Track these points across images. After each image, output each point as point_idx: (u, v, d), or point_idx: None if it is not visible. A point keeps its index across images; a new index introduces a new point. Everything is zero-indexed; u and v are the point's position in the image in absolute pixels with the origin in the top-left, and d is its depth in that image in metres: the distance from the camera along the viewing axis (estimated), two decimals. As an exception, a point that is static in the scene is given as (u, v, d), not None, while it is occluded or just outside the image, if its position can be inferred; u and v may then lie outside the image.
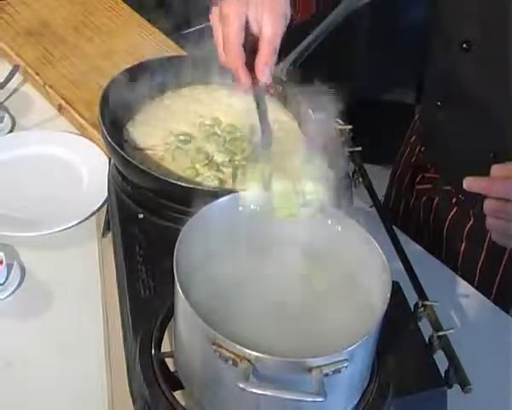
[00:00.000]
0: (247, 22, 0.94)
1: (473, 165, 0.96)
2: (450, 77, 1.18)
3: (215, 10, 0.96)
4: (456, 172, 1.09)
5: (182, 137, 1.08)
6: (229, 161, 1.05)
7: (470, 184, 0.91)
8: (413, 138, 1.38)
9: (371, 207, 1.06)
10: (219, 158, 1.05)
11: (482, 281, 1.23)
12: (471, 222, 1.23)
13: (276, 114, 1.15)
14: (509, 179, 0.90)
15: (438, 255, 1.23)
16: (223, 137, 1.09)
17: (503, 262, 1.21)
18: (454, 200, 1.26)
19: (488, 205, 0.91)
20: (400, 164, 1.42)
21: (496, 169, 0.91)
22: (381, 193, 1.33)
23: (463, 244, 1.26)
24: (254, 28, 0.95)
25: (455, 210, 1.27)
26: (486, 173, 0.91)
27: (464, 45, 1.12)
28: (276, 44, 0.96)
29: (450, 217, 1.27)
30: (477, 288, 1.18)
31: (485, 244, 1.22)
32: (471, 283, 1.19)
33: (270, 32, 0.94)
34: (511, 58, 1.05)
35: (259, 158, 0.94)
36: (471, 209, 1.22)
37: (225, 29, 0.93)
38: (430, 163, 1.32)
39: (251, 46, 0.95)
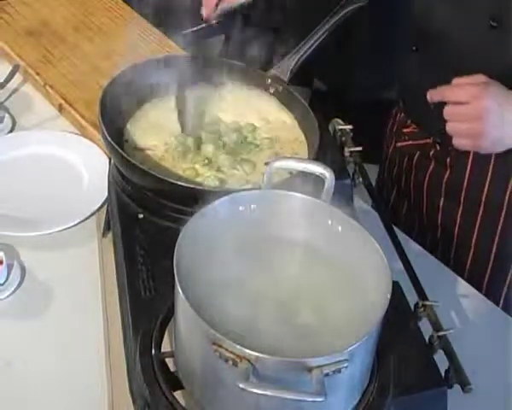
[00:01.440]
0: None
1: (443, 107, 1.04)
2: (424, 20, 1.23)
3: None
4: (429, 117, 1.14)
5: (182, 137, 1.08)
6: (233, 160, 1.05)
7: (432, 94, 1.03)
8: (397, 112, 1.42)
9: (368, 203, 1.08)
10: (219, 158, 1.05)
11: (461, 235, 1.29)
12: (448, 174, 1.28)
13: (277, 113, 1.15)
14: (466, 85, 1.01)
15: (420, 215, 1.32)
16: (223, 136, 1.09)
17: (480, 214, 1.27)
18: (432, 152, 1.30)
19: (448, 110, 1.02)
20: (386, 139, 1.47)
21: (456, 79, 1.02)
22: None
23: (442, 199, 1.31)
24: None
25: (433, 165, 1.31)
26: None
27: None
28: None
29: (429, 172, 1.32)
30: (456, 242, 1.26)
31: (462, 198, 1.28)
32: (451, 238, 1.27)
33: None
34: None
35: None
36: (447, 159, 1.28)
37: None
38: (407, 113, 1.37)
39: None
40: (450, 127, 1.04)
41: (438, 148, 1.29)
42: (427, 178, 1.33)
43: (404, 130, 1.38)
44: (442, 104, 1.04)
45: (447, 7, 1.16)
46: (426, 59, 1.24)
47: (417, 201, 1.36)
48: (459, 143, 1.06)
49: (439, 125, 1.06)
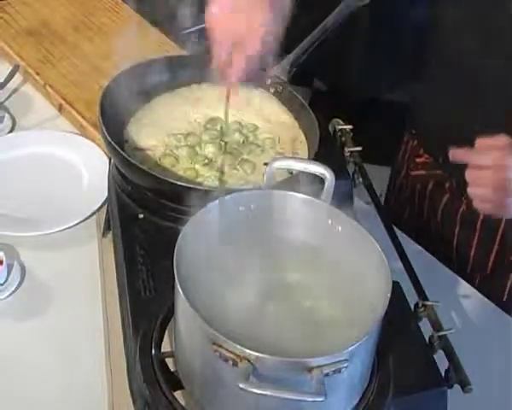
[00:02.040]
0: None
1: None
2: (446, 50, 1.19)
3: (211, 15, 0.99)
4: (442, 148, 1.11)
5: (182, 138, 1.08)
6: (234, 161, 1.05)
7: (454, 154, 0.99)
8: (409, 140, 1.39)
9: (368, 203, 1.07)
10: (220, 158, 1.05)
11: (476, 263, 1.26)
12: (464, 206, 1.25)
13: (277, 113, 1.15)
14: (489, 150, 0.97)
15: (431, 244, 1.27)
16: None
17: (496, 245, 1.24)
18: (447, 185, 1.28)
19: (470, 175, 0.99)
20: (397, 164, 1.43)
21: (479, 141, 0.97)
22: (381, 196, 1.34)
23: (457, 227, 1.28)
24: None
25: (448, 196, 1.28)
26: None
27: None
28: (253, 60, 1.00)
29: (443, 202, 1.30)
30: (471, 270, 1.22)
31: (478, 226, 1.25)
32: (465, 265, 1.23)
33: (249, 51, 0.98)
34: (506, 33, 1.08)
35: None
36: (463, 194, 1.23)
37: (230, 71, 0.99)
38: (420, 142, 1.34)
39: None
40: (471, 192, 1.00)
41: (454, 184, 1.26)
42: (440, 209, 1.30)
43: (417, 159, 1.35)
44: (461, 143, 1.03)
45: (473, 42, 1.13)
46: (443, 91, 1.22)
47: (431, 226, 1.33)
48: (480, 207, 1.03)
49: (456, 167, 1.02)
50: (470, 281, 1.19)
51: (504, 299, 1.26)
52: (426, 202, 1.34)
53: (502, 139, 0.98)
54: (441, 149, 1.10)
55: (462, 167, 1.00)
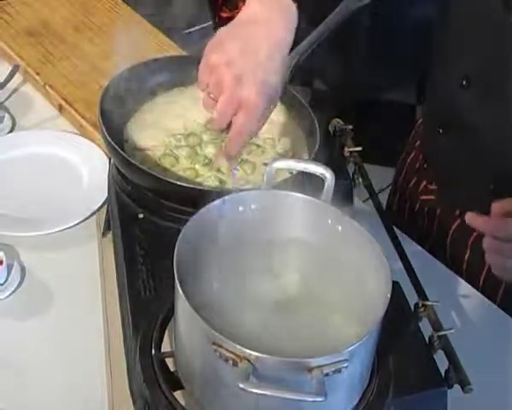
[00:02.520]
0: None
1: (473, 192, 0.98)
2: (450, 107, 1.17)
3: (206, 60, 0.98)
4: (457, 198, 1.09)
5: (182, 138, 1.08)
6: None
7: (471, 220, 0.94)
8: (417, 143, 1.38)
9: (365, 201, 1.06)
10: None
11: (486, 288, 1.22)
12: (475, 234, 1.20)
13: (277, 113, 1.15)
14: (506, 219, 0.92)
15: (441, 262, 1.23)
16: (224, 137, 1.09)
17: None
18: (458, 212, 1.24)
19: (487, 242, 0.94)
20: (404, 167, 1.41)
21: (495, 207, 0.93)
22: (380, 193, 1.33)
23: (468, 253, 1.24)
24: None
25: (458, 221, 1.25)
26: (486, 203, 0.94)
27: (464, 82, 1.10)
28: (244, 137, 0.98)
29: (454, 227, 1.26)
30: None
31: None
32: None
33: (241, 123, 0.96)
34: (510, 92, 1.05)
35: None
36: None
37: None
38: (433, 181, 1.31)
39: None
40: (489, 259, 0.97)
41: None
42: (450, 233, 1.26)
43: (429, 186, 1.31)
44: (469, 185, 1.01)
45: (471, 100, 1.12)
46: (454, 143, 1.19)
47: (439, 250, 1.28)
48: (499, 273, 1.00)
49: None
50: (471, 281, 1.19)
51: (505, 299, 1.26)
52: (435, 223, 1.31)
53: None
54: (455, 198, 1.08)
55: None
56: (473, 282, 1.20)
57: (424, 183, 1.33)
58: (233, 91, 0.95)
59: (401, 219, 1.39)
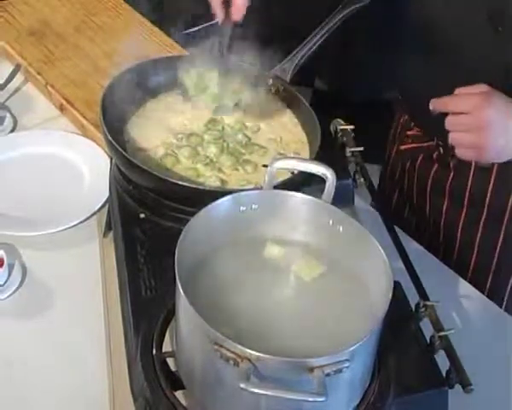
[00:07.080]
0: None
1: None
2: (429, 25, 1.22)
3: None
4: (432, 121, 1.11)
5: (183, 138, 1.08)
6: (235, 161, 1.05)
7: (435, 104, 1.02)
8: (400, 116, 1.42)
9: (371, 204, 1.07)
10: (221, 158, 1.06)
11: (464, 237, 1.29)
12: (451, 176, 1.28)
13: (278, 114, 1.15)
14: (468, 93, 1.00)
15: (423, 218, 1.32)
16: (226, 137, 1.09)
17: (483, 216, 1.26)
18: (435, 155, 1.30)
19: (450, 120, 1.01)
20: (389, 142, 1.47)
21: (459, 89, 1.01)
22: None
23: (445, 203, 1.30)
24: None
25: (436, 167, 1.30)
26: None
27: None
28: None
29: (431, 175, 1.32)
30: (459, 245, 1.26)
31: (465, 201, 1.27)
32: (454, 241, 1.27)
33: None
34: None
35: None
36: (451, 162, 1.27)
37: None
38: (409, 116, 1.36)
39: None
40: (452, 138, 1.02)
41: (441, 151, 1.28)
42: (430, 181, 1.32)
43: (408, 132, 1.37)
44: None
45: (448, 14, 1.16)
46: (430, 64, 1.23)
47: (420, 204, 1.36)
48: (462, 153, 1.04)
49: (441, 130, 1.05)
50: (471, 280, 1.19)
51: (505, 299, 1.27)
52: (415, 181, 1.36)
53: (481, 86, 1.00)
54: (430, 120, 1.10)
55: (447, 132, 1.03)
56: (451, 234, 1.28)
57: (404, 135, 1.38)
58: None
59: (389, 190, 1.45)
